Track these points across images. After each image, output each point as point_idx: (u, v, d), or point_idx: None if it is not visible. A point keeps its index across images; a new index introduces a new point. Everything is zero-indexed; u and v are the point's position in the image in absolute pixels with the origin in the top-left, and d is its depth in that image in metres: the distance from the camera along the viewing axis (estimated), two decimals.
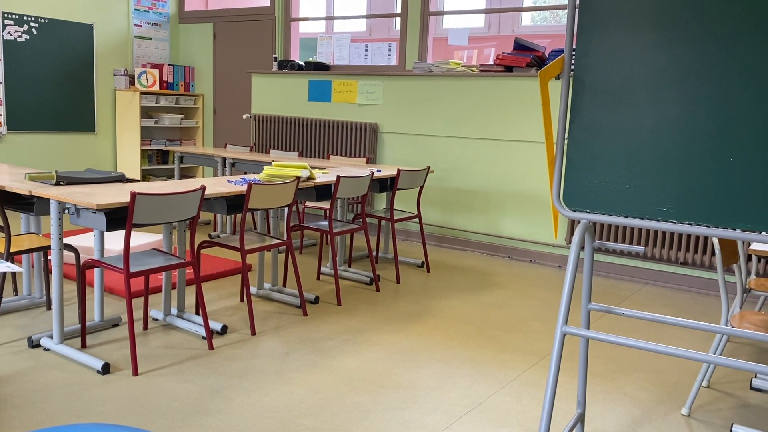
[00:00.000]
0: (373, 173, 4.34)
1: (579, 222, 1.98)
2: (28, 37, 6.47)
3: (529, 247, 5.43)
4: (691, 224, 1.83)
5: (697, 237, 4.68)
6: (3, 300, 3.61)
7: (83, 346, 3.12)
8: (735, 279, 4.68)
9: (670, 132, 1.84)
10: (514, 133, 5.36)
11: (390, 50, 6.21)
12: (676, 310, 4.27)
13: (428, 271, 4.94)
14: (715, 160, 1.79)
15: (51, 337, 3.08)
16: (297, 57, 7.01)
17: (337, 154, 6.25)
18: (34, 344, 3.08)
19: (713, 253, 4.64)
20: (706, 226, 1.81)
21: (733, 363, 1.69)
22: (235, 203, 3.46)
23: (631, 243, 4.91)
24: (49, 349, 3.05)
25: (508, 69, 5.35)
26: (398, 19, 6.11)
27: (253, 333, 3.42)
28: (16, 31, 6.37)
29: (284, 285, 4.27)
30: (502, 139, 5.43)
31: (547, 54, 5.40)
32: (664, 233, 4.78)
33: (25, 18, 6.42)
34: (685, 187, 1.83)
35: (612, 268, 5.08)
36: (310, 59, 6.63)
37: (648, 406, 2.79)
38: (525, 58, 5.25)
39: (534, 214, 5.38)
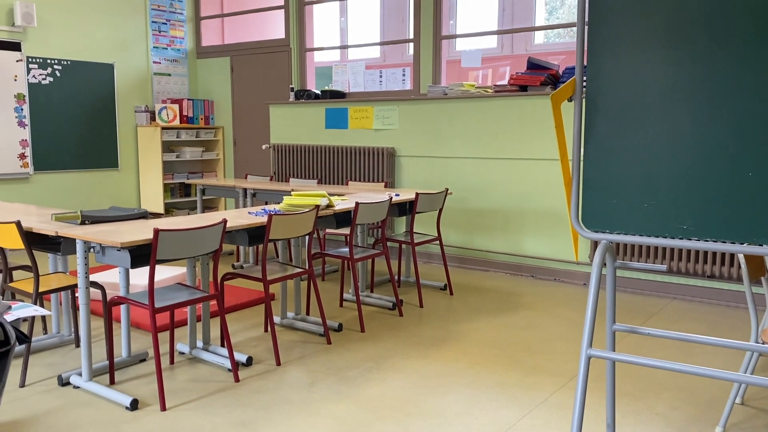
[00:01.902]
0: (391, 198, 4.36)
1: (599, 242, 1.97)
2: (51, 79, 6.65)
3: (553, 265, 5.39)
4: (714, 241, 1.81)
5: None
6: (33, 339, 3.67)
7: (111, 382, 3.15)
8: (764, 291, 4.59)
9: (686, 149, 1.83)
10: (532, 152, 5.35)
11: (404, 75, 6.27)
12: (705, 324, 4.19)
13: (451, 293, 4.92)
14: (733, 175, 1.77)
15: (80, 374, 3.12)
16: (313, 86, 7.11)
17: (355, 180, 6.29)
18: (64, 382, 3.12)
19: (740, 266, 4.56)
20: (731, 243, 1.79)
21: (763, 381, 1.66)
22: (256, 234, 3.50)
23: (653, 259, 4.85)
24: (78, 387, 3.09)
25: (523, 88, 5.36)
26: (411, 44, 6.17)
27: (278, 363, 3.43)
28: (40, 74, 6.55)
29: (307, 313, 4.28)
30: (520, 158, 5.43)
31: (561, 71, 5.41)
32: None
33: (48, 61, 6.61)
34: (705, 204, 1.81)
35: (638, 284, 5.02)
36: (326, 88, 6.72)
37: (681, 426, 2.74)
38: (539, 77, 5.26)
39: (556, 232, 5.34)
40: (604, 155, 1.95)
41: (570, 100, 2.01)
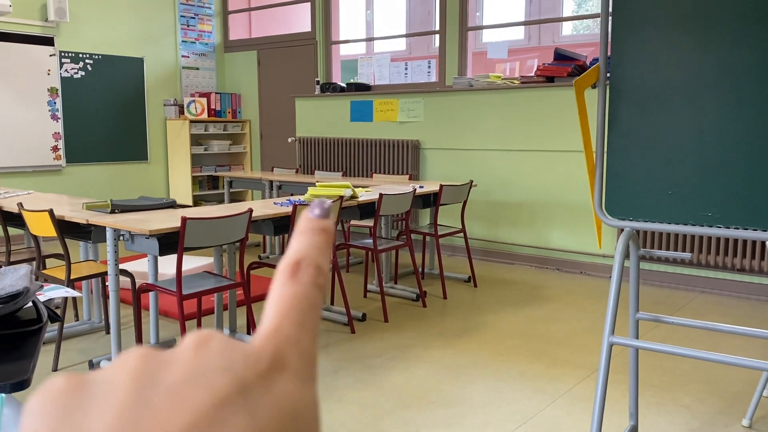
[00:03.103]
0: (415, 189, 4.37)
1: (622, 230, 1.96)
2: (83, 73, 6.79)
3: (579, 258, 5.35)
4: (738, 228, 1.79)
5: (753, 242, 4.52)
6: (65, 325, 3.77)
7: None
8: None
9: (712, 135, 1.81)
10: (558, 144, 5.31)
11: (430, 67, 6.26)
12: (733, 318, 4.13)
13: (475, 285, 4.92)
14: (760, 162, 1.75)
15: (110, 359, 3.20)
16: (339, 79, 7.14)
17: (380, 173, 6.31)
18: (94, 367, 3.21)
19: None
20: (756, 230, 1.77)
21: None
22: (281, 224, 3.54)
23: (679, 250, 4.78)
24: None
25: (550, 80, 5.32)
26: (437, 36, 6.16)
27: None
28: (72, 68, 6.69)
29: (332, 303, 4.32)
30: (546, 150, 5.39)
31: (588, 63, 5.35)
32: (717, 239, 4.64)
33: (80, 55, 6.74)
34: (730, 191, 1.79)
35: (665, 276, 4.96)
36: (352, 80, 6.74)
37: (706, 418, 2.71)
38: (566, 68, 5.22)
39: (582, 225, 5.30)
40: (628, 142, 1.93)
41: (594, 86, 2.00)
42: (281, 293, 0.27)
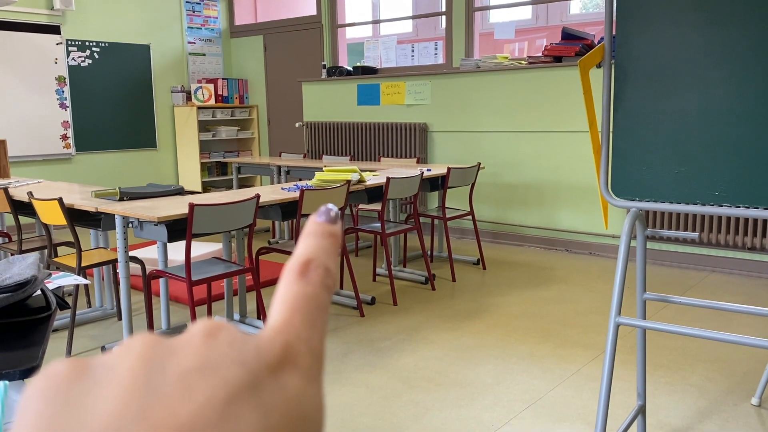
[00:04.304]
0: (422, 173, 4.36)
1: (629, 211, 1.95)
2: (90, 61, 6.80)
3: (588, 239, 5.33)
4: (746, 207, 1.78)
5: (763, 220, 4.49)
6: (78, 312, 3.82)
7: None
8: None
9: (718, 114, 1.79)
10: (566, 124, 5.28)
11: (436, 49, 6.22)
12: (744, 297, 4.11)
13: (484, 268, 4.92)
14: (766, 140, 1.73)
15: None
16: (345, 63, 7.11)
17: (387, 156, 6.30)
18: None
19: None
20: (763, 209, 1.75)
21: None
22: (289, 210, 3.55)
23: (687, 230, 4.75)
24: None
25: (557, 59, 5.27)
26: (444, 17, 6.11)
27: None
28: (79, 57, 6.70)
29: (341, 287, 4.34)
30: (554, 131, 5.36)
31: (596, 41, 5.30)
32: (726, 218, 4.60)
33: (87, 43, 6.75)
34: (738, 170, 1.78)
35: (674, 256, 4.94)
36: (358, 64, 6.71)
37: (715, 397, 2.71)
38: (573, 47, 5.16)
39: (591, 205, 5.28)
40: (634, 122, 1.92)
41: (599, 66, 1.98)
42: (290, 291, 0.27)
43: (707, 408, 2.62)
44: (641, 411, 2.24)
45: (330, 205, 0.31)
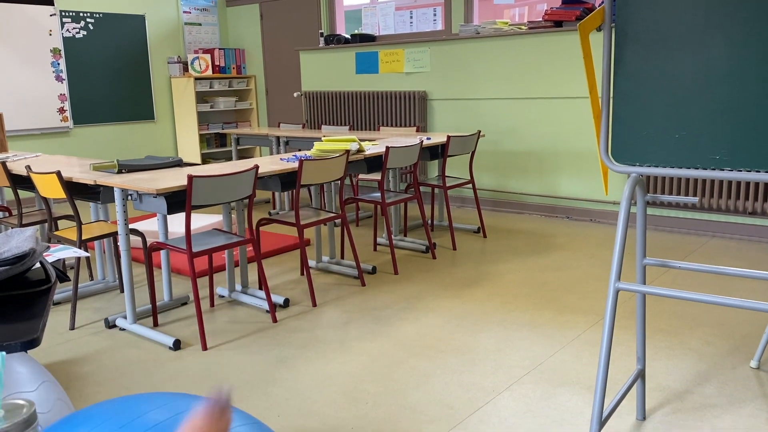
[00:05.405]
0: (422, 141, 4.34)
1: (629, 176, 1.94)
2: (85, 33, 6.72)
3: (589, 206, 5.33)
4: (747, 171, 1.76)
5: (765, 185, 4.47)
6: (80, 285, 3.83)
7: (155, 324, 3.29)
8: None
9: (720, 77, 1.77)
10: (567, 90, 5.23)
11: (435, 15, 6.13)
12: (745, 262, 4.12)
13: (484, 236, 4.93)
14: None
15: (125, 317, 3.26)
16: (343, 30, 7.02)
17: (387, 125, 6.26)
18: (110, 325, 3.27)
19: None
20: (766, 172, 1.74)
21: None
22: (288, 180, 3.54)
23: (687, 195, 4.74)
24: (124, 329, 3.23)
25: (558, 24, 5.20)
26: None
27: (314, 305, 3.51)
28: (74, 28, 6.62)
29: (342, 257, 4.35)
30: (554, 97, 5.31)
31: (597, 5, 5.21)
32: (727, 183, 4.59)
33: (81, 14, 6.66)
34: (739, 134, 1.76)
35: (676, 222, 4.93)
36: (356, 32, 6.63)
37: (714, 361, 2.73)
38: (574, 11, 5.09)
39: (592, 172, 5.26)
40: (635, 86, 1.89)
41: (599, 29, 1.95)
42: None
43: (706, 371, 2.64)
44: (641, 375, 2.26)
45: (220, 389, 0.32)
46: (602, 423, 1.90)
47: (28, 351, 1.52)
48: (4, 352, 0.64)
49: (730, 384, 2.53)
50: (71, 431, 1.08)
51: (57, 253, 1.61)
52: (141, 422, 1.14)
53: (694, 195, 4.74)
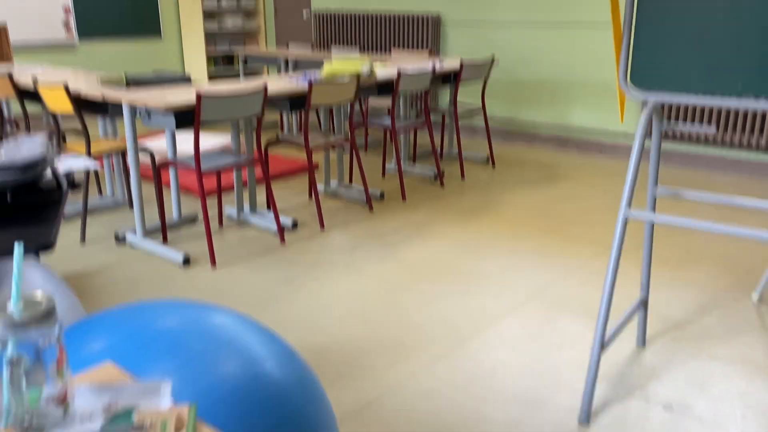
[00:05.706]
0: (435, 67, 4.24)
1: (646, 103, 1.90)
2: None
3: (600, 138, 5.26)
4: None
5: None
6: (89, 200, 3.86)
7: (164, 240, 3.32)
8: None
9: (744, 3, 1.70)
10: (585, 14, 5.06)
11: None
12: (757, 197, 4.09)
13: (493, 165, 4.90)
14: None
15: (135, 232, 3.29)
16: None
17: (399, 48, 6.11)
18: (120, 238, 3.31)
19: None
20: None
21: None
22: (297, 101, 3.49)
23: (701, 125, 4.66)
24: (134, 245, 3.27)
25: None
26: None
27: (322, 228, 3.54)
28: None
29: (350, 182, 4.35)
30: (571, 21, 5.15)
31: None
32: (744, 117, 4.50)
33: None
34: (760, 62, 1.71)
35: (687, 158, 4.88)
36: None
37: (716, 293, 2.76)
38: None
39: (605, 104, 5.16)
40: (658, 11, 1.82)
41: None
42: None
43: (708, 303, 2.67)
44: (643, 303, 2.29)
45: None
46: (603, 347, 1.94)
47: (40, 256, 1.54)
48: (21, 242, 0.65)
49: (731, 316, 2.56)
50: (89, 332, 1.11)
51: (68, 161, 1.60)
52: (154, 326, 1.16)
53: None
